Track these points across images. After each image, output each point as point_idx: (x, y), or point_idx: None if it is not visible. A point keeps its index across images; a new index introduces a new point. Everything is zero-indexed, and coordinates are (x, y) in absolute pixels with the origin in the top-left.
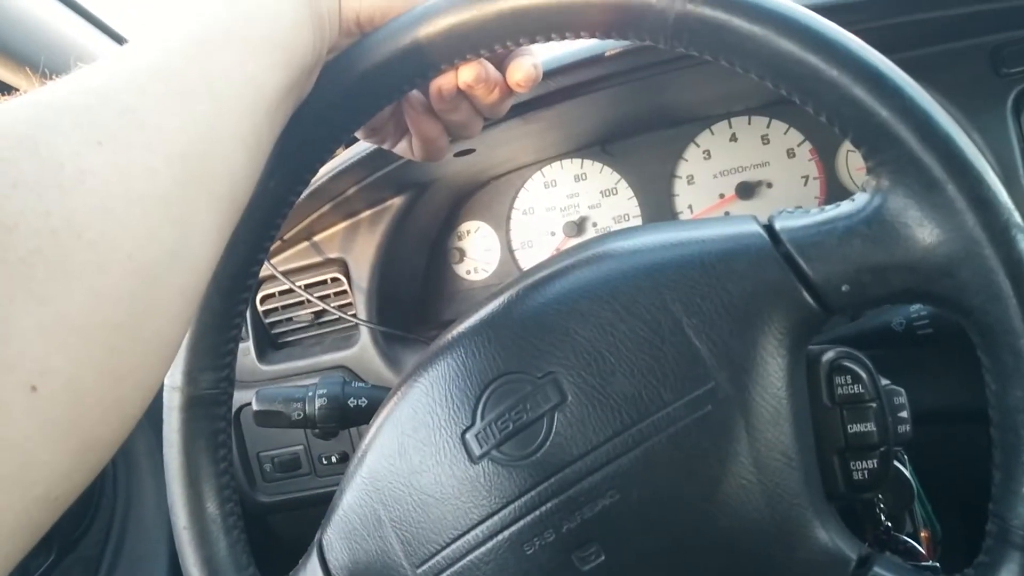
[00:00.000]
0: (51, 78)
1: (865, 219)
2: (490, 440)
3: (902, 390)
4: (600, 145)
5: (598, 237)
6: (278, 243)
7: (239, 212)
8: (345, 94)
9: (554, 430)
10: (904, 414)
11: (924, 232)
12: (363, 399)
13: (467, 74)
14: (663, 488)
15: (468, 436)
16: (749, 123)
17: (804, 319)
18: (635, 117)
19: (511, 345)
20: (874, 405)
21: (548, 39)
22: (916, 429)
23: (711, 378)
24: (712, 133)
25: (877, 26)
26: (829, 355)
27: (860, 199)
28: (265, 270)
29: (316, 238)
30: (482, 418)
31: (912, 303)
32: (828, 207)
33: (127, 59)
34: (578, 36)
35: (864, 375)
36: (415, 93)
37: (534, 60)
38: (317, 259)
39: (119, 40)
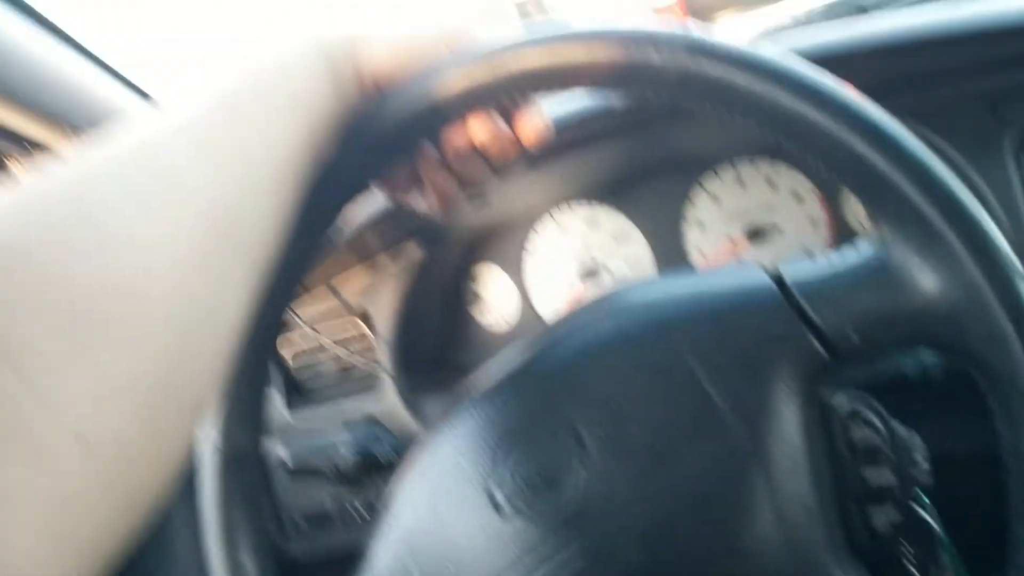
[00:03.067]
0: (83, 135)
1: (870, 268)
2: (515, 493)
3: (917, 435)
4: (609, 190)
5: (613, 292)
6: (301, 293)
7: (266, 267)
8: (364, 150)
9: (576, 482)
10: (922, 460)
11: (927, 281)
12: (392, 451)
13: (477, 126)
14: (684, 540)
15: (491, 486)
16: (753, 166)
17: (816, 368)
18: (644, 163)
19: (532, 399)
20: (890, 452)
21: (554, 92)
22: (937, 475)
23: (727, 429)
24: (719, 178)
25: (875, 75)
26: (843, 403)
27: (864, 248)
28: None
29: (338, 287)
30: (506, 471)
31: (920, 350)
32: (834, 256)
33: (163, 122)
34: (576, 88)
35: (879, 422)
36: (428, 147)
37: (545, 119)
38: (339, 308)
39: (144, 95)
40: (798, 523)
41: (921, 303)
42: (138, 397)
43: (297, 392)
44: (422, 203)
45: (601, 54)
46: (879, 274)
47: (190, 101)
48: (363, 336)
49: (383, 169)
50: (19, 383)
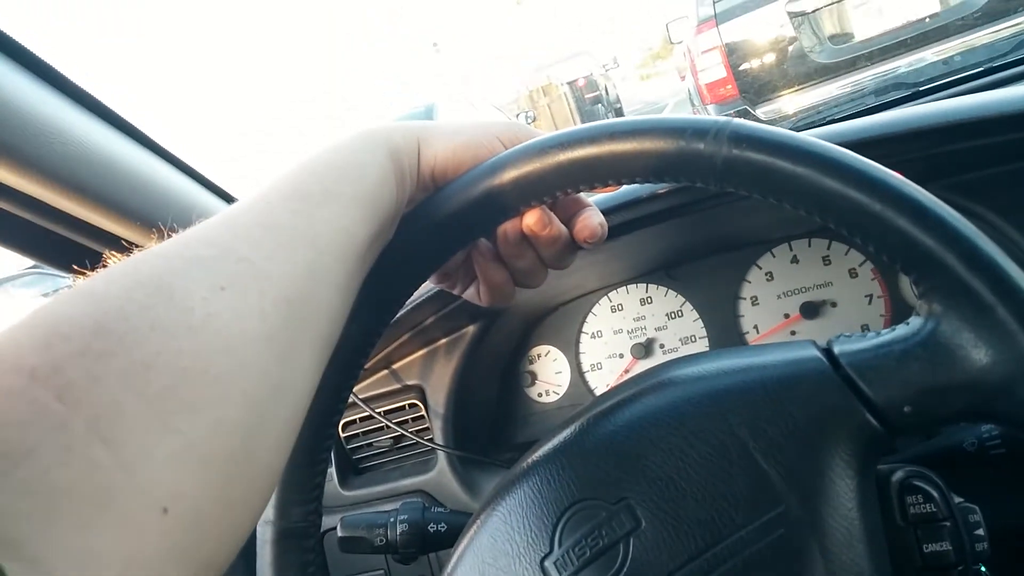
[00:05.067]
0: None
1: (921, 342)
2: (569, 567)
3: (976, 508)
4: (664, 270)
5: (663, 364)
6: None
7: (332, 347)
8: (422, 242)
9: (631, 556)
10: (980, 531)
11: (979, 353)
12: (443, 524)
13: (530, 219)
14: None
15: (547, 563)
16: (809, 245)
17: (870, 441)
18: (697, 243)
19: (584, 472)
20: (948, 524)
21: (605, 185)
22: (996, 548)
23: (781, 501)
24: (773, 256)
25: (928, 153)
26: (899, 475)
27: (915, 322)
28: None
29: (395, 366)
30: (560, 545)
31: (976, 422)
32: (884, 331)
33: (242, 215)
34: (633, 181)
35: (936, 494)
36: (483, 241)
37: (600, 219)
38: (396, 386)
39: (225, 196)
40: None
41: (974, 375)
42: (215, 468)
43: (351, 467)
44: (475, 295)
45: (649, 146)
46: (930, 347)
47: (268, 197)
48: (419, 415)
49: (440, 260)
50: (109, 455)
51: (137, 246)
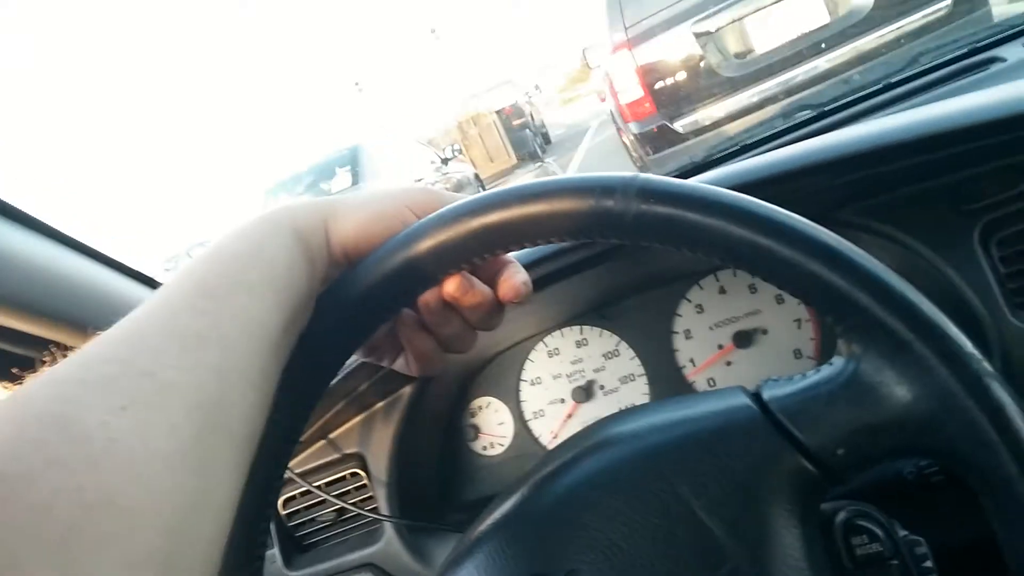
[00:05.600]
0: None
1: (845, 383)
2: None
3: (922, 539)
4: (596, 311)
5: (599, 423)
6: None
7: (255, 442)
8: (340, 321)
9: None
10: (928, 563)
11: (902, 390)
12: None
13: (450, 287)
14: None
15: None
16: (735, 275)
17: (808, 485)
18: (627, 282)
19: (530, 544)
20: (896, 562)
21: (522, 247)
22: (944, 570)
23: (729, 558)
24: (701, 288)
25: (842, 182)
26: (842, 516)
27: (838, 363)
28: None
29: (332, 435)
30: None
31: (909, 458)
32: (810, 372)
33: (143, 322)
34: (549, 241)
35: (880, 532)
36: (408, 311)
37: (523, 277)
38: (334, 456)
39: (152, 284)
40: None
41: (900, 412)
42: None
43: (295, 545)
44: (404, 365)
45: (559, 207)
46: (854, 387)
47: (169, 293)
48: (361, 484)
49: (362, 336)
50: None
51: (58, 345)
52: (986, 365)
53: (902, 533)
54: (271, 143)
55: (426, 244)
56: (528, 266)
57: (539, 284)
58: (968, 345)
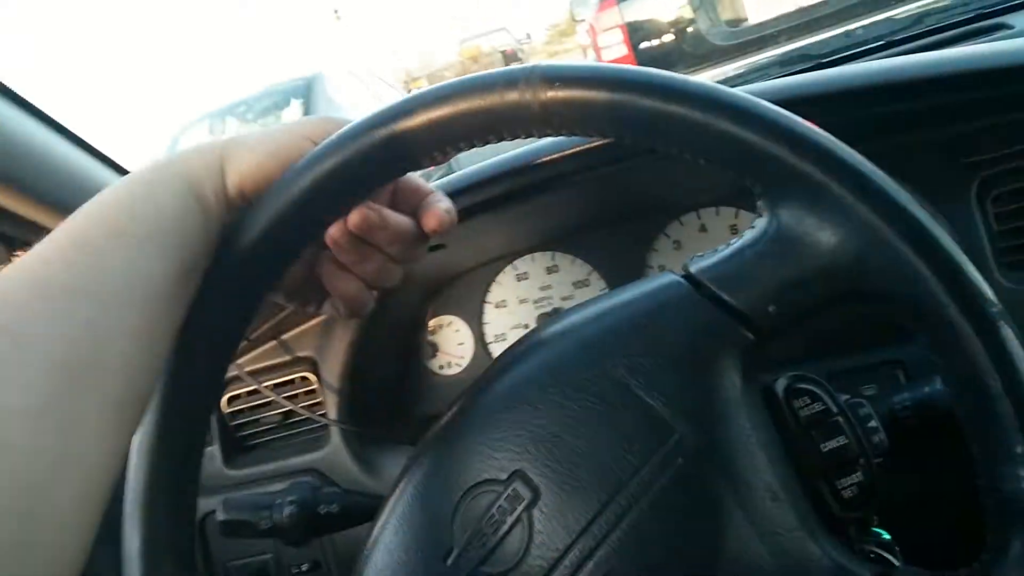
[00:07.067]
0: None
1: (768, 240)
2: (473, 560)
3: (864, 401)
4: (571, 238)
5: (532, 330)
6: (245, 343)
7: (142, 402)
8: (244, 263)
9: (534, 529)
10: (873, 423)
11: (826, 235)
12: (335, 505)
13: (354, 219)
14: (657, 556)
15: (451, 562)
16: (717, 214)
17: (745, 350)
18: (604, 210)
19: (469, 456)
20: (840, 419)
21: (432, 161)
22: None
23: (673, 431)
24: (681, 224)
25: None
26: (783, 382)
27: (760, 223)
28: (231, 370)
29: (285, 336)
30: (461, 538)
31: (842, 308)
32: (734, 240)
33: (12, 277)
34: (459, 149)
35: (822, 392)
36: (327, 253)
37: (446, 204)
38: (285, 358)
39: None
40: (765, 509)
41: (826, 258)
42: None
43: (237, 444)
44: (332, 309)
45: (465, 106)
46: (779, 242)
47: (44, 246)
48: (311, 389)
49: (269, 278)
50: None
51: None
52: (904, 195)
53: (844, 397)
54: (231, 67)
55: (316, 175)
56: (494, 179)
57: (508, 200)
58: (886, 180)
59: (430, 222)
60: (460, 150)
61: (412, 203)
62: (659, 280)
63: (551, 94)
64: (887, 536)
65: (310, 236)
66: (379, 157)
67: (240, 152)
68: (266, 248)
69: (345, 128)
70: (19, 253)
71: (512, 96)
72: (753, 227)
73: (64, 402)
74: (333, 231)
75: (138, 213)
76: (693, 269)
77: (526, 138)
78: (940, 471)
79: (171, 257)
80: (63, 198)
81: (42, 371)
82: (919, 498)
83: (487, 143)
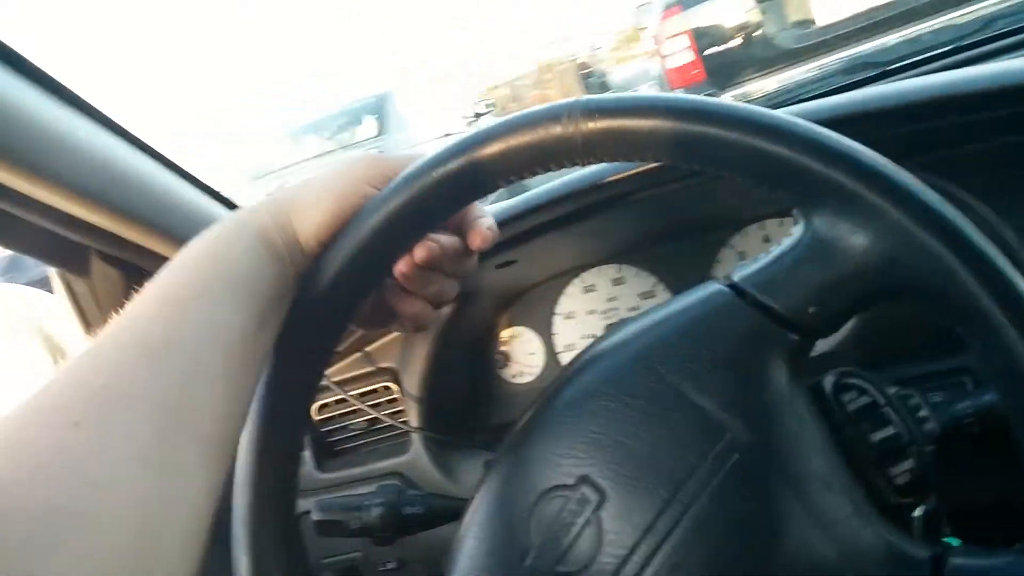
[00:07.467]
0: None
1: (805, 247)
2: (550, 560)
3: (913, 392)
4: (637, 250)
5: (591, 343)
6: (334, 358)
7: (232, 442)
8: (325, 305)
9: (604, 529)
10: (923, 412)
11: (858, 239)
12: (418, 507)
13: (420, 253)
14: (721, 548)
15: (530, 562)
16: (780, 224)
17: (789, 350)
18: (668, 224)
19: (539, 464)
20: (889, 408)
21: (488, 193)
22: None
23: (726, 430)
24: (745, 235)
25: (895, 133)
26: (830, 378)
27: (796, 231)
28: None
29: (368, 349)
30: (536, 543)
31: (881, 306)
32: (773, 248)
33: (107, 337)
34: (510, 181)
35: (869, 386)
36: (392, 280)
37: (488, 222)
38: (369, 368)
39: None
40: (819, 498)
41: (860, 259)
42: None
43: (326, 449)
44: (400, 326)
45: (513, 143)
46: (815, 247)
47: (136, 307)
48: (393, 398)
49: (349, 316)
50: None
51: (117, 237)
52: (930, 194)
53: (892, 389)
54: (294, 84)
55: (384, 218)
56: (562, 199)
57: (576, 217)
58: (913, 182)
59: (475, 240)
60: (511, 183)
61: (455, 221)
62: (705, 290)
63: (591, 125)
64: (957, 543)
65: (379, 277)
66: (437, 197)
67: (307, 204)
68: (345, 287)
69: (405, 172)
70: (136, 287)
71: (556, 130)
72: (791, 235)
73: (164, 446)
74: (400, 265)
75: (217, 270)
76: (736, 277)
77: (571, 167)
78: (1001, 469)
79: (247, 309)
80: (175, 227)
81: (143, 420)
82: (988, 507)
83: (536, 175)
